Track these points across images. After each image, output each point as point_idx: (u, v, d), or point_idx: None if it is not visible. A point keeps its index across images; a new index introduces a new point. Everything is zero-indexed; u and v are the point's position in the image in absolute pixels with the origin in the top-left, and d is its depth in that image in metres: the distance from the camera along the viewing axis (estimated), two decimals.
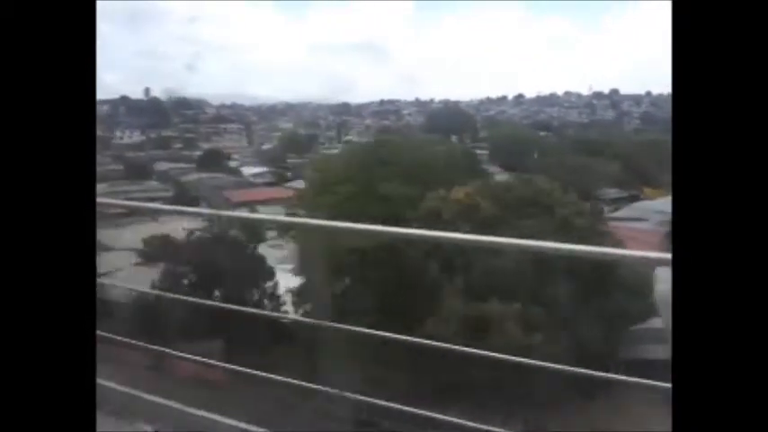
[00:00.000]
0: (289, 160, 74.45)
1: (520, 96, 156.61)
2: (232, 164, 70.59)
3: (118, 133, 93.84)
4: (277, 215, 25.52)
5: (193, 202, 45.78)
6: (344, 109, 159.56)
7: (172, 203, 42.18)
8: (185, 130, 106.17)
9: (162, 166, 67.57)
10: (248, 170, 66.97)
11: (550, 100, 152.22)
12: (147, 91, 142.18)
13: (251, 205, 44.78)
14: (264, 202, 46.80)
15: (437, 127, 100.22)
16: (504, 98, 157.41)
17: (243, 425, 2.94)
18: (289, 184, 57.10)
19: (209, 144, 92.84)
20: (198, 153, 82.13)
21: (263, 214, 30.62)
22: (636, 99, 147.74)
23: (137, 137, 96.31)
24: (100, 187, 55.85)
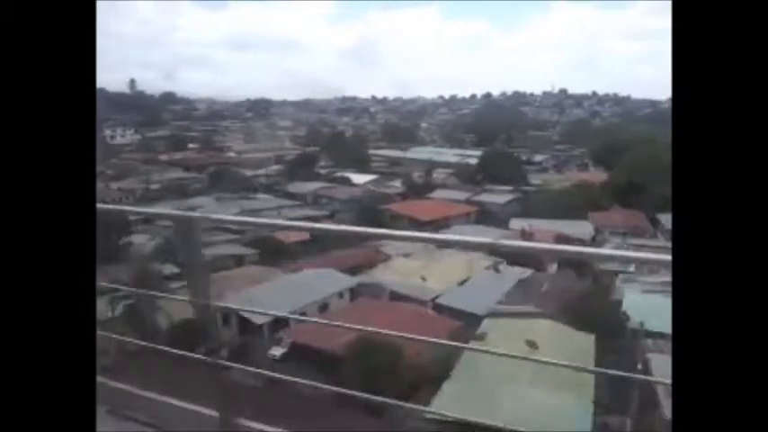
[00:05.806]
0: (374, 163, 64.81)
1: (488, 95, 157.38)
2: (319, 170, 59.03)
3: (108, 132, 79.35)
4: None
5: (356, 218, 38.06)
6: (308, 105, 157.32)
7: (332, 223, 35.06)
8: (182, 127, 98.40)
9: (245, 172, 55.80)
10: (357, 178, 55.57)
11: (518, 99, 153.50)
12: (132, 83, 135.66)
13: (444, 225, 38.34)
14: (451, 220, 40.06)
15: (482, 125, 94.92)
16: (473, 97, 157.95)
17: None
18: (434, 195, 49.47)
19: (228, 143, 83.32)
20: (228, 154, 72.54)
21: None
22: (598, 99, 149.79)
23: (130, 136, 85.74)
24: (203, 201, 44.23)
